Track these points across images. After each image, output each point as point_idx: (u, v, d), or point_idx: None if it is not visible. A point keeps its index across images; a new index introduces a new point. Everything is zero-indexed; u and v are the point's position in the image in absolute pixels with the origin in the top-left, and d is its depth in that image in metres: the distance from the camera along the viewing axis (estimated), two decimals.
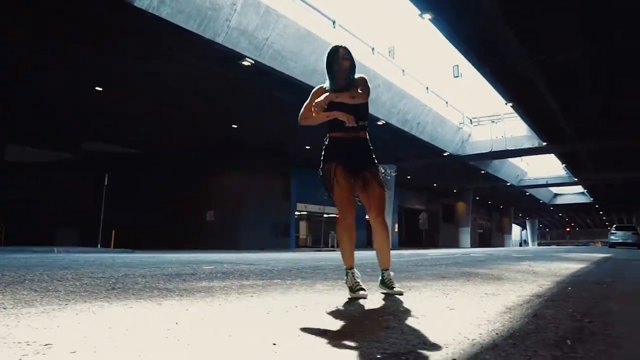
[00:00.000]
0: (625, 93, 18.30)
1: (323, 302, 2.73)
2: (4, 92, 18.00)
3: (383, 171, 3.43)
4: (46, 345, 1.57)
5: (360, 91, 3.24)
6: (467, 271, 5.52)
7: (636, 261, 9.40)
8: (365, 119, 3.34)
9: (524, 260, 8.85)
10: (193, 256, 10.56)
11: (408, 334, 1.84)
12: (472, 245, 47.32)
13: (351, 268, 3.21)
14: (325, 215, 34.97)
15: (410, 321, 2.11)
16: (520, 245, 76.97)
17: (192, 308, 2.40)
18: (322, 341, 1.69)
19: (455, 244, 45.87)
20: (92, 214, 20.28)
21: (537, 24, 13.54)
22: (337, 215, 3.31)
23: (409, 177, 38.16)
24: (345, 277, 3.19)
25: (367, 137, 3.40)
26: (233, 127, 22.82)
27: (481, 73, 18.51)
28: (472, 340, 1.71)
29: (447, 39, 15.65)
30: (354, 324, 2.08)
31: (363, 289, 3.02)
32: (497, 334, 1.83)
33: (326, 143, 3.36)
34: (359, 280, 3.11)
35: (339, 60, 3.28)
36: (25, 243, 19.81)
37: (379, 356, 1.48)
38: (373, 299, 2.89)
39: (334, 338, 1.76)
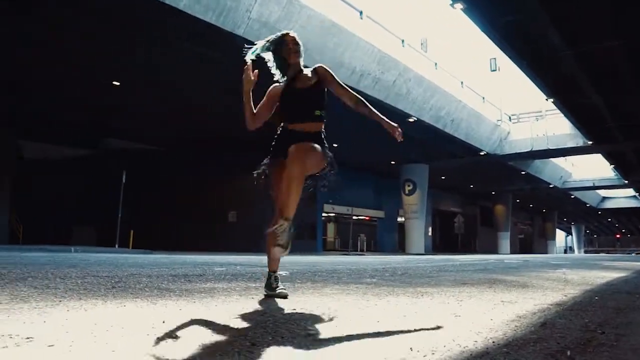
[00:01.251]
0: None
1: (323, 305, 2.75)
2: (21, 89, 18.53)
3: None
4: (27, 338, 1.64)
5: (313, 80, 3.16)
6: (493, 278, 5.48)
7: None
8: (322, 108, 3.17)
9: (560, 267, 8.71)
10: (210, 257, 10.71)
11: (398, 340, 1.86)
12: (512, 252, 46.66)
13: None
14: (354, 217, 34.88)
15: (405, 326, 2.12)
16: (565, 252, 75.52)
17: (186, 308, 2.46)
18: (300, 345, 1.72)
19: (494, 249, 45.30)
20: (110, 212, 20.69)
21: (574, 12, 13.35)
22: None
23: (443, 177, 37.84)
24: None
25: (321, 130, 3.18)
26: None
27: (519, 66, 18.27)
28: (464, 347, 1.72)
29: (482, 29, 15.50)
30: (347, 326, 2.10)
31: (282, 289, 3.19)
32: (494, 342, 1.83)
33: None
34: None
35: (288, 46, 3.19)
36: (42, 242, 20.35)
37: None
38: (379, 304, 2.91)
39: (314, 341, 1.79)
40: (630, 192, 49.95)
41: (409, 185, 33.66)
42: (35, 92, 19.10)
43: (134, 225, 20.32)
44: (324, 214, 35.70)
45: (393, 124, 3.17)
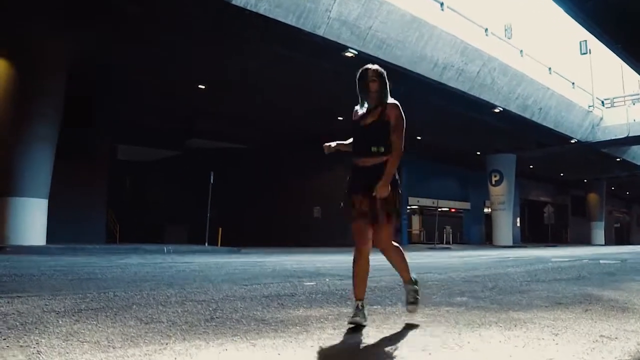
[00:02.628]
0: None
1: (413, 341, 2.77)
2: (113, 94, 19.68)
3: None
4: None
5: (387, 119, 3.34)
6: (589, 293, 5.27)
7: None
8: (380, 144, 3.33)
9: None
10: (297, 260, 10.94)
11: None
12: (607, 242, 44.29)
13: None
14: (440, 209, 34.35)
15: None
16: None
17: (284, 352, 2.56)
18: None
19: (586, 240, 43.26)
20: (199, 210, 21.56)
21: None
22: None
23: (531, 166, 36.52)
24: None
25: (384, 165, 3.33)
26: (339, 120, 23.12)
27: (612, 50, 17.23)
28: None
29: (569, 14, 14.75)
30: None
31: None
32: None
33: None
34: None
35: (368, 80, 3.39)
36: (137, 241, 21.52)
37: None
38: (471, 342, 2.89)
39: None
40: None
41: (495, 176, 32.77)
42: (129, 99, 20.26)
43: (222, 222, 21.05)
44: (408, 207, 35.39)
45: (385, 184, 3.25)
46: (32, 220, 14.62)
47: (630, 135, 27.72)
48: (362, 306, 3.33)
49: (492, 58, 20.64)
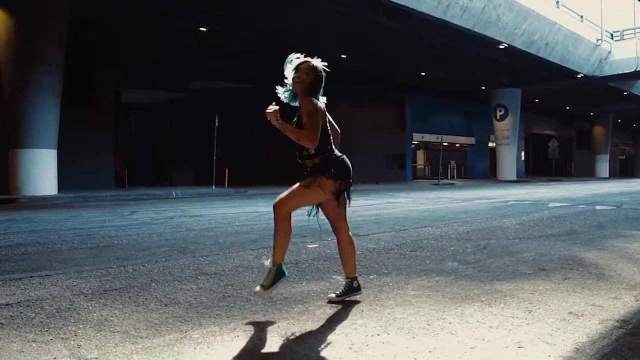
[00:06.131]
0: None
1: (404, 325, 3.19)
2: (113, 38, 19.66)
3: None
4: None
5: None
6: (573, 255, 5.68)
7: None
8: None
9: None
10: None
11: None
12: (611, 175, 44.70)
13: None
14: (444, 144, 34.62)
15: None
16: None
17: (288, 331, 2.99)
18: None
19: (591, 173, 43.65)
20: (205, 152, 21.95)
21: None
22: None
23: (537, 100, 36.41)
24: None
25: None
26: (342, 58, 23.08)
27: None
28: None
29: None
30: None
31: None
32: None
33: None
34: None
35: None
36: (145, 183, 22.01)
37: None
38: (452, 322, 3.30)
39: None
40: None
41: (500, 111, 32.83)
42: (130, 43, 20.24)
43: (228, 164, 21.47)
44: (413, 142, 35.67)
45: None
46: (42, 170, 15.08)
47: (638, 69, 27.52)
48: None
49: None
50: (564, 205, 12.75)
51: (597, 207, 12.14)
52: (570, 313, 3.51)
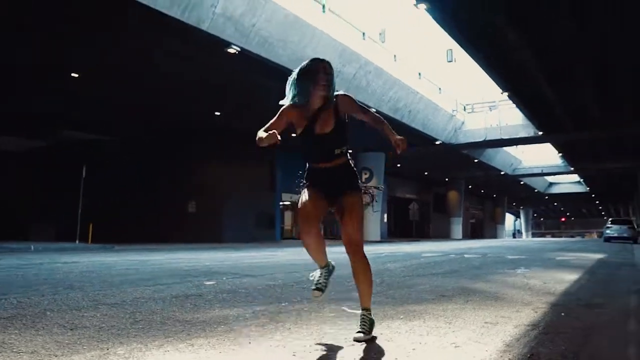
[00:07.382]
0: (619, 80, 19.05)
1: (339, 338, 3.16)
2: None
3: (371, 192, 3.49)
4: None
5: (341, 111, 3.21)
6: (465, 286, 6.02)
7: (626, 267, 10.02)
8: (342, 145, 3.25)
9: (518, 267, 9.37)
10: (181, 258, 10.90)
11: None
12: (464, 237, 48.26)
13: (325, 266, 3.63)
14: None
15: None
16: (514, 235, 78.40)
17: (224, 349, 2.82)
18: None
19: (446, 234, 46.74)
20: (69, 207, 20.47)
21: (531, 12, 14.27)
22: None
23: (399, 165, 38.72)
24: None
25: (348, 162, 3.32)
26: (216, 115, 23.08)
27: (475, 60, 19.04)
28: None
29: (440, 25, 16.13)
30: None
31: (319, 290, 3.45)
32: None
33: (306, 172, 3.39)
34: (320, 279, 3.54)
35: (319, 76, 3.18)
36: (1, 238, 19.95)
37: None
38: (383, 333, 3.33)
39: None
40: (576, 177, 52.37)
41: (365, 174, 34.32)
42: None
43: (94, 218, 20.16)
44: (281, 203, 36.00)
45: (399, 138, 3.21)
46: None
47: (487, 139, 30.52)
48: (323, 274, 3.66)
49: (368, 62, 21.73)
50: (437, 255, 13.51)
51: (466, 256, 13.01)
52: (486, 322, 3.71)
